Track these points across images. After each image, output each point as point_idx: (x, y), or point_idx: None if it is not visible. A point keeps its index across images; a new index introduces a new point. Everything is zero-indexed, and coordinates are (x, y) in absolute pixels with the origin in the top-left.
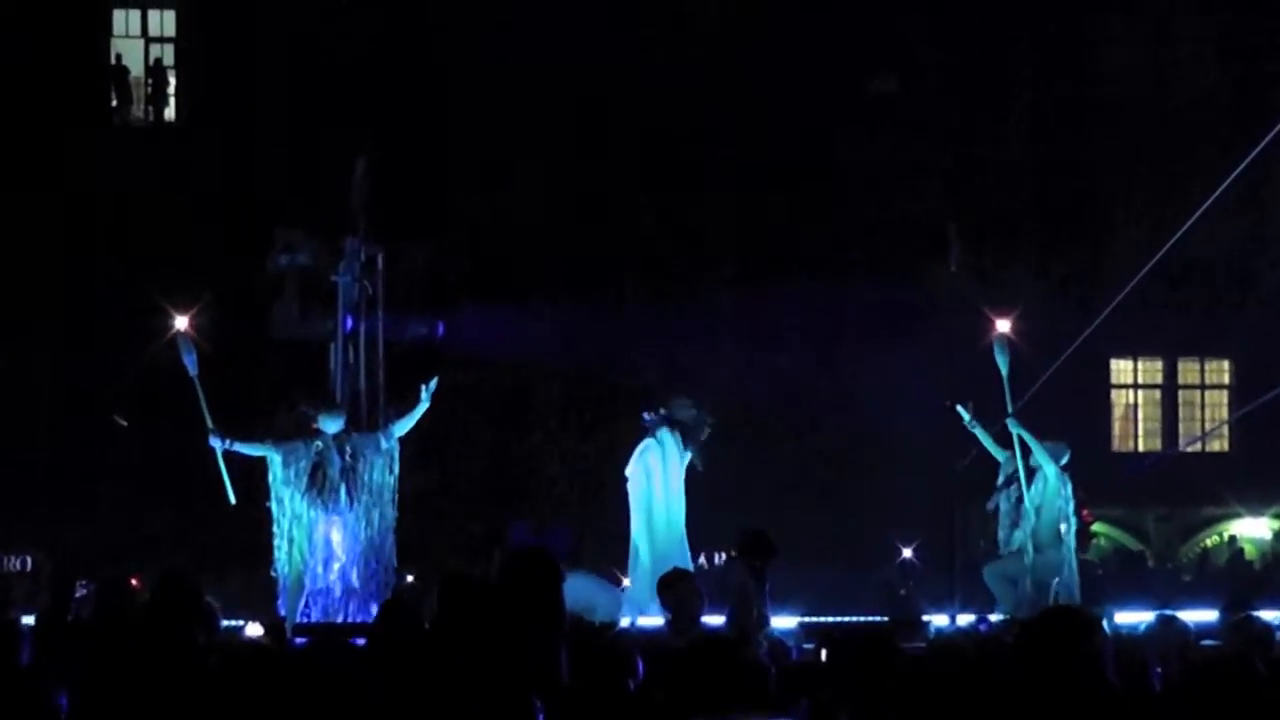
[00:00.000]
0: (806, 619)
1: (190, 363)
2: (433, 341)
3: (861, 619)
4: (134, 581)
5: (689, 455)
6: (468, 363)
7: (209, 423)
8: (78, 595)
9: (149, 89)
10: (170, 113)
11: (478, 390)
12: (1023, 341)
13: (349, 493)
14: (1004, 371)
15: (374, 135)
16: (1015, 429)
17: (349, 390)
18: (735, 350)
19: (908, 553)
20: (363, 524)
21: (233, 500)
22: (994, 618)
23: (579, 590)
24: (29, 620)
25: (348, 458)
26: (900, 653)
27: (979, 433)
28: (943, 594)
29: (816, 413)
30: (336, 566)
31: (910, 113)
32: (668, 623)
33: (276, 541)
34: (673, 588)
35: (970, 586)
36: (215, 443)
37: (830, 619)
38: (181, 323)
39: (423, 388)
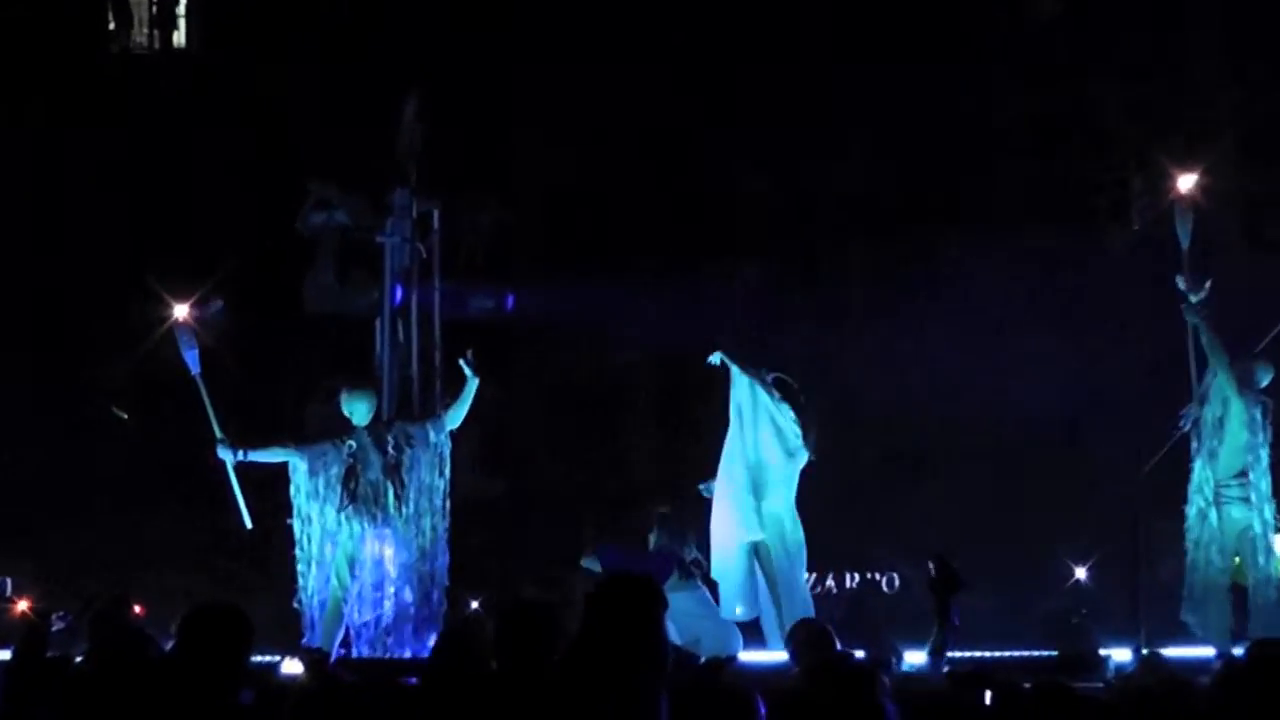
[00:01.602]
0: (956, 654)
1: (191, 359)
2: (501, 317)
3: (1025, 654)
4: (136, 609)
5: (809, 448)
6: (544, 343)
7: (216, 431)
8: (54, 629)
9: (153, 9)
10: (179, 38)
11: (555, 377)
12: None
13: (397, 497)
14: (1184, 243)
15: (427, 66)
16: (1192, 319)
17: (398, 377)
18: (868, 331)
19: (1081, 573)
20: (413, 534)
21: (249, 525)
22: (1196, 651)
23: (682, 618)
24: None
25: (390, 453)
26: (1081, 703)
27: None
28: (1124, 623)
29: (964, 406)
30: (391, 590)
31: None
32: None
33: (300, 568)
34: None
35: (1160, 614)
36: (225, 455)
37: (987, 653)
38: (181, 311)
39: (462, 364)
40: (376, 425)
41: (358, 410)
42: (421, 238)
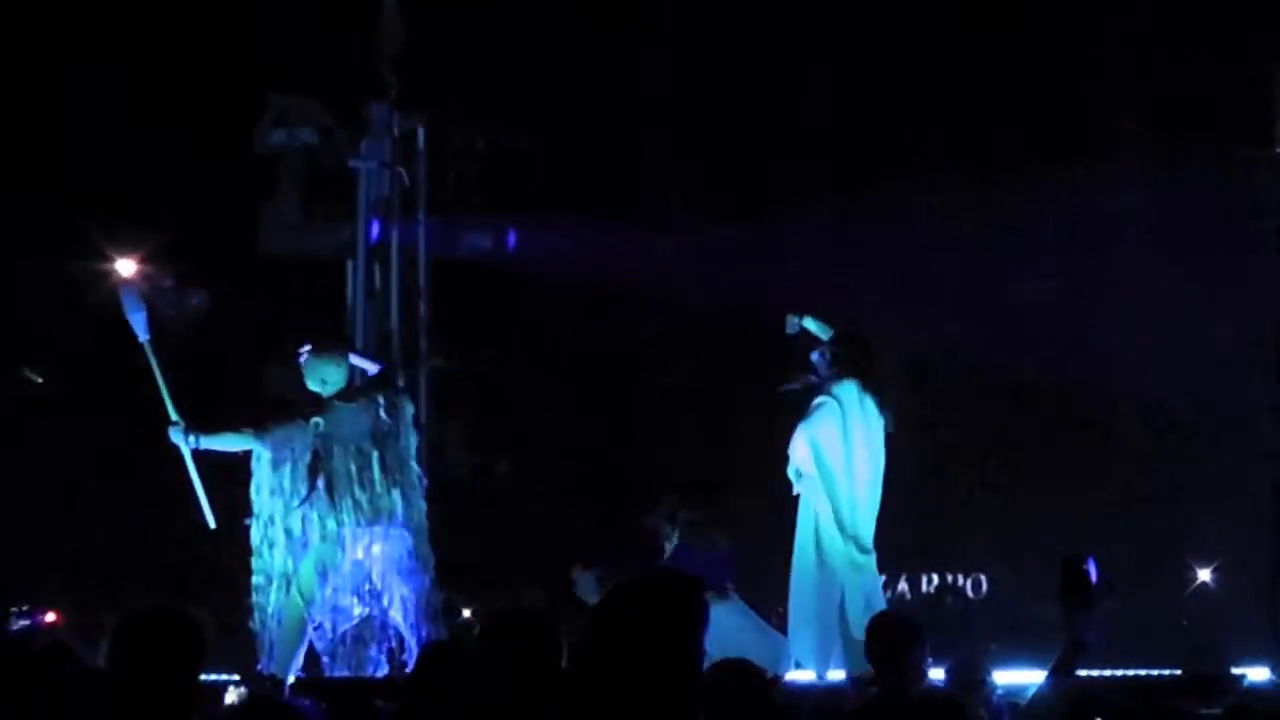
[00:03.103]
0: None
1: (138, 324)
2: (500, 258)
3: (1142, 673)
4: (50, 617)
5: (885, 419)
6: (550, 291)
7: (170, 411)
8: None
9: None
10: None
11: (565, 333)
12: None
13: (384, 484)
14: None
15: None
16: None
17: (375, 333)
18: (944, 279)
19: (1205, 576)
20: (403, 526)
21: (213, 524)
22: None
23: (729, 634)
24: None
25: (372, 429)
26: None
27: None
28: (1259, 635)
29: (1061, 375)
30: (372, 595)
31: None
32: (855, 679)
33: (257, 580)
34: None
35: None
36: (179, 440)
37: (1096, 672)
38: (125, 268)
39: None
40: (351, 394)
41: (328, 377)
42: (404, 162)
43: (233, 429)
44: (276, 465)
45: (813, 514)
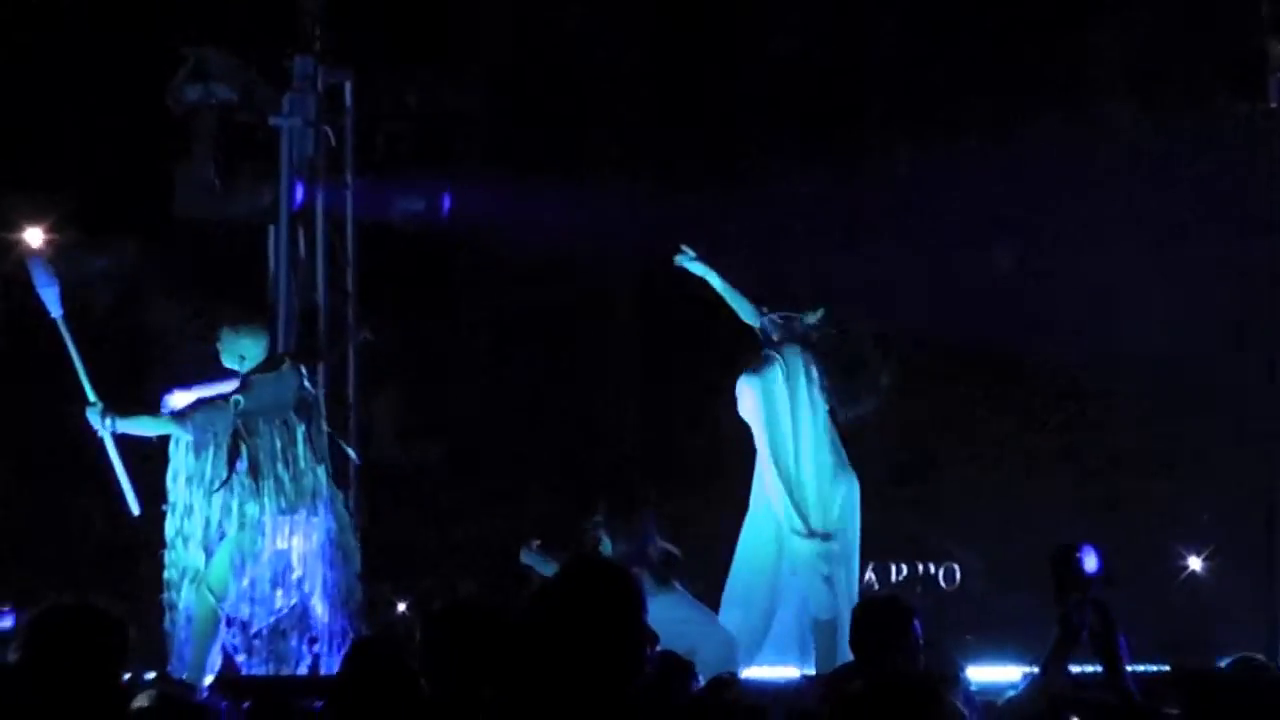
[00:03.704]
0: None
1: (50, 299)
2: (434, 224)
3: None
4: None
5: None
6: (489, 259)
7: (88, 392)
8: None
9: None
10: None
11: (507, 306)
12: None
13: (312, 457)
14: None
15: None
16: None
17: (299, 304)
18: (915, 242)
19: (1196, 564)
20: (328, 511)
21: (135, 510)
22: None
23: (673, 626)
24: None
25: (301, 397)
26: None
27: None
28: (1253, 625)
29: (1044, 341)
30: (295, 585)
31: None
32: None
33: (169, 575)
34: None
35: None
36: (97, 422)
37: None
38: (33, 238)
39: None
40: (270, 364)
41: (246, 352)
42: (330, 120)
43: (151, 413)
44: (198, 450)
45: (762, 483)
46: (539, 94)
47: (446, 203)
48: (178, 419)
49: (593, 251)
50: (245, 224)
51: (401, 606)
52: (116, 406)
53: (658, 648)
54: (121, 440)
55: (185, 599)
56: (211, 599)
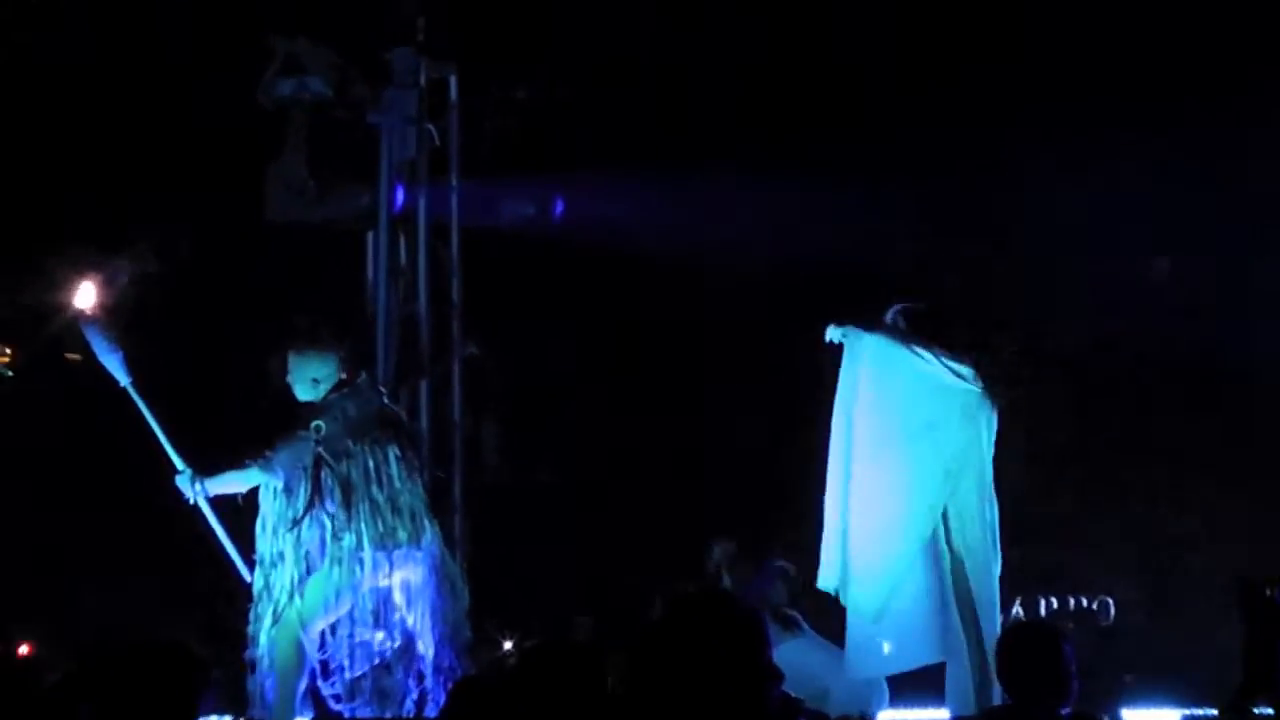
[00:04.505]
0: None
1: (114, 366)
2: (545, 228)
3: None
4: (23, 649)
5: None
6: (605, 267)
7: (175, 460)
8: None
9: None
10: None
11: (623, 315)
12: None
13: (408, 472)
14: None
15: None
16: None
17: (400, 313)
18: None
19: None
20: (434, 544)
21: (249, 578)
22: None
23: (803, 669)
24: None
25: (383, 410)
26: None
27: None
28: None
29: (1201, 362)
30: (412, 620)
31: None
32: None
33: (251, 627)
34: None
35: None
36: (186, 489)
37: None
38: (85, 298)
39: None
40: (346, 382)
41: (319, 375)
42: (433, 118)
43: (236, 465)
44: (289, 492)
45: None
46: (663, 85)
47: (559, 206)
48: (263, 465)
49: (719, 258)
50: (341, 229)
51: (508, 644)
52: (202, 468)
53: (785, 689)
54: (216, 503)
55: (265, 639)
56: (298, 631)
